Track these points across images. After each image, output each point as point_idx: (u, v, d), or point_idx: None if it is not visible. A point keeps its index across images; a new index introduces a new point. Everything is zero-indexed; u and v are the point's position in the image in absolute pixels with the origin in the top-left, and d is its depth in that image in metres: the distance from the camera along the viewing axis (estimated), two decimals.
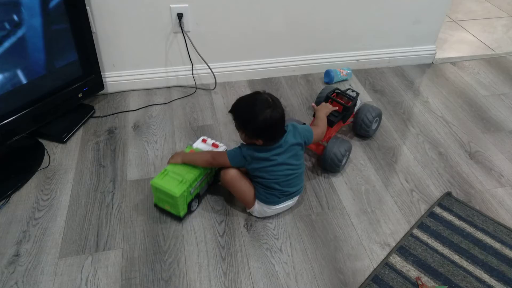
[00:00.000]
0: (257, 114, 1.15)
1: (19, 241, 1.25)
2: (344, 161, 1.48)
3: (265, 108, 1.15)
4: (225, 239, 1.27)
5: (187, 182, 1.24)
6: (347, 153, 1.48)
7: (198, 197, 1.34)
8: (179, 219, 1.30)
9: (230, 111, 1.23)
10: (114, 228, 1.30)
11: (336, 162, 1.44)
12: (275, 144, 1.22)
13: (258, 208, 1.30)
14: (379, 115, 1.62)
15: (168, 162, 1.31)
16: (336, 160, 1.43)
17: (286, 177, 1.26)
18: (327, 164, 1.46)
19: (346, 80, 2.01)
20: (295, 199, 1.34)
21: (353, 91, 1.58)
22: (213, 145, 1.39)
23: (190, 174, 1.27)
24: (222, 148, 1.39)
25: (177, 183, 1.23)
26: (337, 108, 1.52)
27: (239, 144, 1.27)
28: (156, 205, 1.34)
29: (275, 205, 1.29)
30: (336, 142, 1.45)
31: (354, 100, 1.54)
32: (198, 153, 1.32)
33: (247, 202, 1.31)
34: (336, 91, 1.57)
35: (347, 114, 1.54)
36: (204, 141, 1.41)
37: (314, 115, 1.47)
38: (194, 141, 1.43)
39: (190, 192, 1.27)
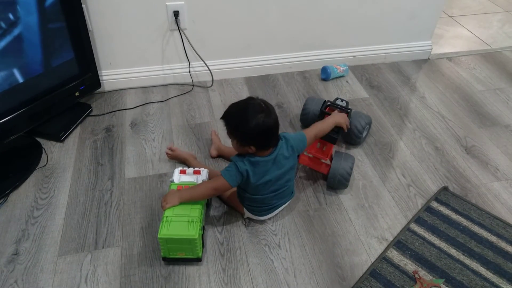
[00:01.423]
0: (249, 118, 1.09)
1: (18, 239, 1.25)
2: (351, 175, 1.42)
3: (258, 112, 1.09)
4: (224, 236, 1.28)
5: (197, 219, 1.15)
6: (352, 167, 1.41)
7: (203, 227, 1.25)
8: (197, 260, 1.20)
9: (222, 117, 1.17)
10: (113, 226, 1.30)
11: (344, 181, 1.38)
12: (268, 152, 1.17)
13: (251, 215, 1.30)
14: (369, 123, 1.59)
15: (164, 208, 1.17)
16: (345, 177, 1.37)
17: (275, 193, 1.24)
18: (335, 183, 1.39)
19: (343, 76, 2.02)
20: (287, 203, 1.33)
21: (342, 100, 1.53)
22: (195, 172, 1.29)
23: (195, 210, 1.17)
24: (204, 172, 1.30)
25: (187, 224, 1.13)
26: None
27: (232, 161, 1.18)
28: (165, 258, 1.19)
29: (264, 216, 1.30)
30: (340, 159, 1.38)
31: (350, 111, 1.48)
32: (195, 189, 1.20)
33: (239, 210, 1.32)
34: (328, 104, 1.49)
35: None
36: (183, 172, 1.30)
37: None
38: (176, 169, 1.33)
39: (202, 228, 1.20)
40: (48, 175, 1.47)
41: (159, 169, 1.49)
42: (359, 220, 1.34)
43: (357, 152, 1.59)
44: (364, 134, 1.60)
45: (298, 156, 1.43)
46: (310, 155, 1.44)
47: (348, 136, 1.57)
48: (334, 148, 1.49)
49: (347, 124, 1.42)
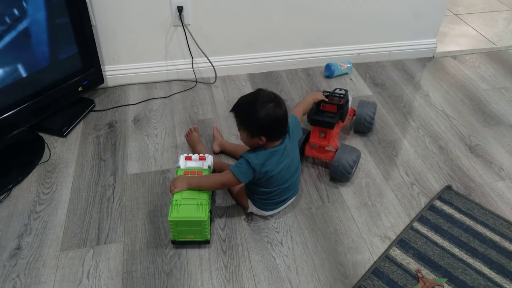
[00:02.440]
0: (259, 108, 1.11)
1: (21, 234, 1.26)
2: (353, 170, 1.43)
3: (268, 102, 1.11)
4: (226, 232, 1.28)
5: (205, 202, 1.18)
6: (357, 162, 1.43)
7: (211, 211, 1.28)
8: (206, 243, 1.22)
9: (232, 110, 1.18)
10: (115, 222, 1.30)
11: (346, 173, 1.38)
12: (278, 143, 1.18)
13: (256, 210, 1.30)
14: (375, 108, 1.63)
15: (172, 192, 1.20)
16: (347, 169, 1.37)
17: (286, 184, 1.24)
18: (336, 174, 1.40)
19: (346, 73, 2.01)
20: (292, 199, 1.34)
21: (340, 89, 1.51)
22: (200, 158, 1.32)
23: (203, 194, 1.20)
24: (209, 158, 1.32)
25: (196, 207, 1.16)
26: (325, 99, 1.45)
27: (243, 157, 1.17)
28: (174, 242, 1.22)
29: (271, 211, 1.30)
30: (345, 150, 1.40)
31: (345, 96, 1.46)
32: (203, 179, 1.23)
33: (244, 204, 1.32)
34: (324, 93, 1.47)
35: (343, 112, 1.46)
36: (188, 158, 1.32)
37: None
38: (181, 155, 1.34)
39: (210, 211, 1.22)
40: (50, 170, 1.46)
41: (161, 165, 1.49)
42: (362, 218, 1.33)
43: (360, 150, 1.58)
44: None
45: (304, 149, 1.46)
46: (316, 145, 1.45)
47: (360, 125, 1.60)
48: (342, 140, 1.52)
49: (321, 96, 1.43)
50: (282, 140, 1.19)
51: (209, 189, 1.23)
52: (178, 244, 1.22)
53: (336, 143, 1.46)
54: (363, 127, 1.61)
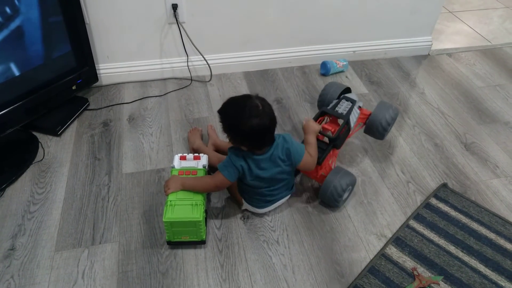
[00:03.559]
0: (243, 121, 1.09)
1: (14, 234, 1.24)
2: (345, 196, 1.32)
3: (253, 116, 1.08)
4: (222, 231, 1.27)
5: (200, 202, 1.17)
6: (350, 187, 1.31)
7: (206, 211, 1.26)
8: (202, 243, 1.22)
9: (218, 112, 1.17)
10: (110, 221, 1.29)
11: (336, 196, 1.27)
12: (262, 151, 1.16)
13: (249, 207, 1.30)
14: (397, 115, 1.46)
15: (167, 193, 1.19)
16: (338, 192, 1.26)
17: (273, 187, 1.23)
18: (326, 196, 1.29)
19: (342, 71, 2.00)
20: (286, 198, 1.33)
21: (347, 99, 1.36)
22: (195, 158, 1.30)
23: (198, 194, 1.19)
24: (204, 158, 1.31)
25: (191, 208, 1.16)
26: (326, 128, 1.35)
27: (228, 153, 1.18)
28: (169, 242, 1.21)
29: (262, 208, 1.29)
30: (338, 173, 1.28)
31: (346, 115, 1.35)
32: (197, 181, 1.21)
33: (238, 200, 1.32)
34: (322, 110, 1.34)
35: (337, 142, 1.34)
36: (183, 158, 1.30)
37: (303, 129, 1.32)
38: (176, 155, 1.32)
39: (205, 211, 1.21)
40: (44, 169, 1.45)
41: (157, 164, 1.48)
42: (358, 216, 1.33)
43: (356, 149, 1.58)
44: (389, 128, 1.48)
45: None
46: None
47: (372, 128, 1.44)
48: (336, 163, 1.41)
49: (319, 128, 1.31)
50: (268, 148, 1.17)
51: (203, 192, 1.22)
52: (174, 244, 1.22)
53: (330, 167, 1.36)
54: (375, 132, 1.44)
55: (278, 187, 1.25)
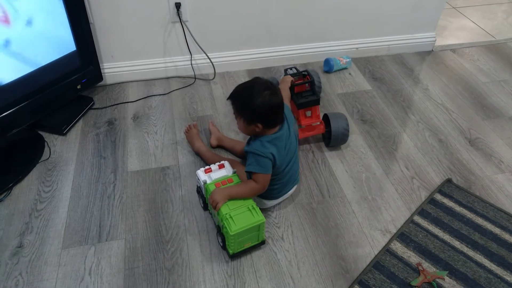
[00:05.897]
0: (255, 96, 1.12)
1: (22, 232, 1.26)
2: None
3: (264, 90, 1.12)
4: None
5: (254, 204, 1.16)
6: (347, 123, 1.52)
7: None
8: (262, 244, 1.21)
9: (229, 97, 1.20)
10: (116, 219, 1.30)
11: (346, 137, 1.51)
12: (276, 129, 1.19)
13: (257, 200, 1.30)
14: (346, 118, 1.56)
15: (217, 209, 1.15)
16: (346, 133, 1.50)
17: (287, 167, 1.25)
18: (338, 141, 1.52)
19: (345, 68, 2.00)
20: (294, 188, 1.34)
21: (291, 68, 1.58)
22: (220, 166, 1.27)
23: (245, 199, 1.17)
24: (227, 164, 1.27)
25: (250, 213, 1.14)
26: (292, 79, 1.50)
27: (249, 152, 1.17)
28: (233, 255, 1.17)
29: (275, 199, 1.30)
30: (335, 117, 1.50)
31: (308, 73, 1.55)
32: (241, 187, 1.19)
33: None
34: (289, 72, 1.55)
35: (314, 86, 1.55)
36: (208, 170, 1.25)
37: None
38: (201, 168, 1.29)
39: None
40: (51, 168, 1.47)
41: (161, 162, 1.49)
42: (362, 212, 1.34)
43: (360, 145, 1.58)
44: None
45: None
46: (303, 126, 1.52)
47: (337, 140, 1.52)
48: (320, 152, 1.57)
49: (290, 79, 1.48)
50: (281, 127, 1.20)
51: (249, 197, 1.19)
52: (235, 257, 1.19)
53: (318, 115, 1.54)
54: (341, 141, 1.54)
55: (291, 168, 1.26)
